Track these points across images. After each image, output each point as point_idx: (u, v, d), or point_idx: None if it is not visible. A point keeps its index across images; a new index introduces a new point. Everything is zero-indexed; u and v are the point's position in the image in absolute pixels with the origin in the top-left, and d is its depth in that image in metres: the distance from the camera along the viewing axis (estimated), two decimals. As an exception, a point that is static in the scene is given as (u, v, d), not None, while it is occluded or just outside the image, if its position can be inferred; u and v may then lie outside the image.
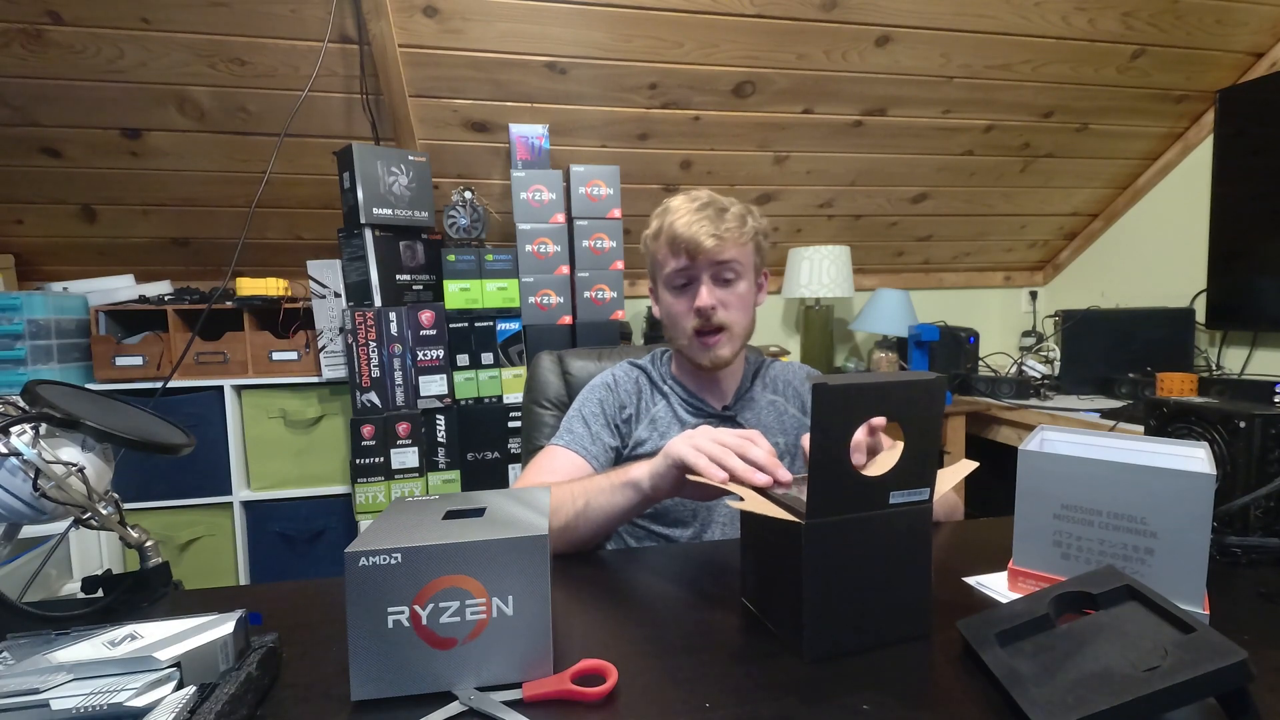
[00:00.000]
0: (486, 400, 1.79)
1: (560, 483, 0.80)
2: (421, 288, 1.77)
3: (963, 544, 0.76)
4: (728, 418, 0.97)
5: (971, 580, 0.64)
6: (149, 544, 0.67)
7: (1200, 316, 2.00)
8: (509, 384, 1.79)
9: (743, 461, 0.60)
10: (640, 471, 0.71)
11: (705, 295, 0.89)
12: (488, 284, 1.76)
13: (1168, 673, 0.39)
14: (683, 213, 0.90)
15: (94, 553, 1.70)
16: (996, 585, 0.63)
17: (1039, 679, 0.43)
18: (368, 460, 1.67)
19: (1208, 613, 0.52)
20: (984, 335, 2.37)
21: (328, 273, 1.80)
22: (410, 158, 1.69)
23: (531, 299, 1.76)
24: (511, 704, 0.45)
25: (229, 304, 1.78)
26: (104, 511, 0.62)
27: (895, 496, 0.52)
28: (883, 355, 2.33)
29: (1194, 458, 0.59)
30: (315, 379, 1.82)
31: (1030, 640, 0.48)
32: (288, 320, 1.82)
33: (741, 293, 0.92)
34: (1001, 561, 0.64)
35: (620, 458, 0.96)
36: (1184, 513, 0.51)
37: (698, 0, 1.59)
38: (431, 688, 0.47)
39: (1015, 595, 0.60)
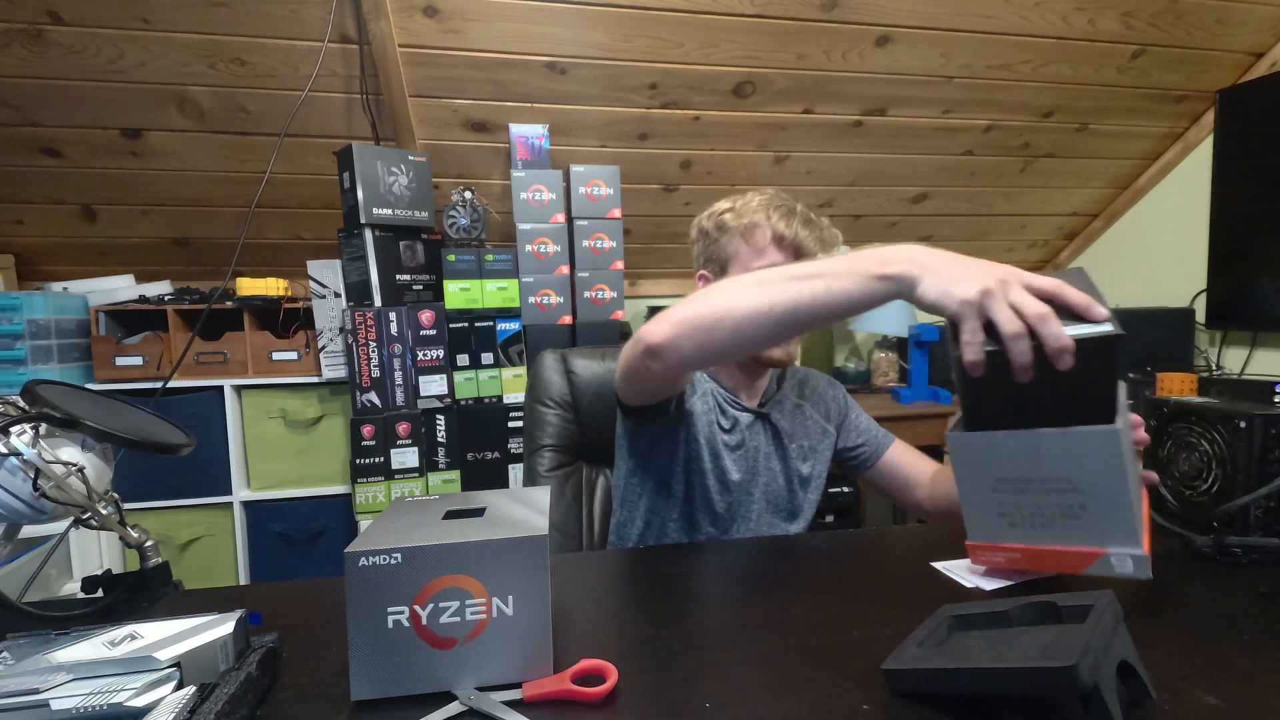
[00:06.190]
0: (486, 400, 1.79)
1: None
2: (421, 288, 1.77)
3: (938, 535, 0.78)
4: (762, 414, 0.99)
5: (939, 565, 0.68)
6: (149, 544, 0.67)
7: (1200, 316, 2.00)
8: (509, 384, 1.79)
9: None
10: (864, 264, 0.59)
11: None
12: (488, 284, 1.76)
13: (1005, 659, 0.42)
14: (784, 212, 0.90)
15: (94, 553, 1.70)
16: (962, 570, 0.67)
17: (927, 658, 0.47)
18: (368, 460, 1.67)
19: (1148, 553, 0.53)
20: (984, 335, 2.37)
21: (328, 273, 1.80)
22: (410, 158, 1.69)
23: (531, 299, 1.76)
24: (511, 704, 0.45)
25: (229, 304, 1.78)
26: (104, 511, 0.62)
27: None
28: (883, 355, 2.33)
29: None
30: (315, 379, 1.82)
31: (948, 640, 0.50)
32: (288, 320, 1.82)
33: None
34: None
35: (667, 412, 0.92)
36: (1100, 466, 0.52)
37: (698, 0, 1.59)
38: (431, 688, 0.47)
39: (977, 575, 0.65)
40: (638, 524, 0.98)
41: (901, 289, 0.57)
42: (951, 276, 0.54)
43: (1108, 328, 0.48)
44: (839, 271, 0.60)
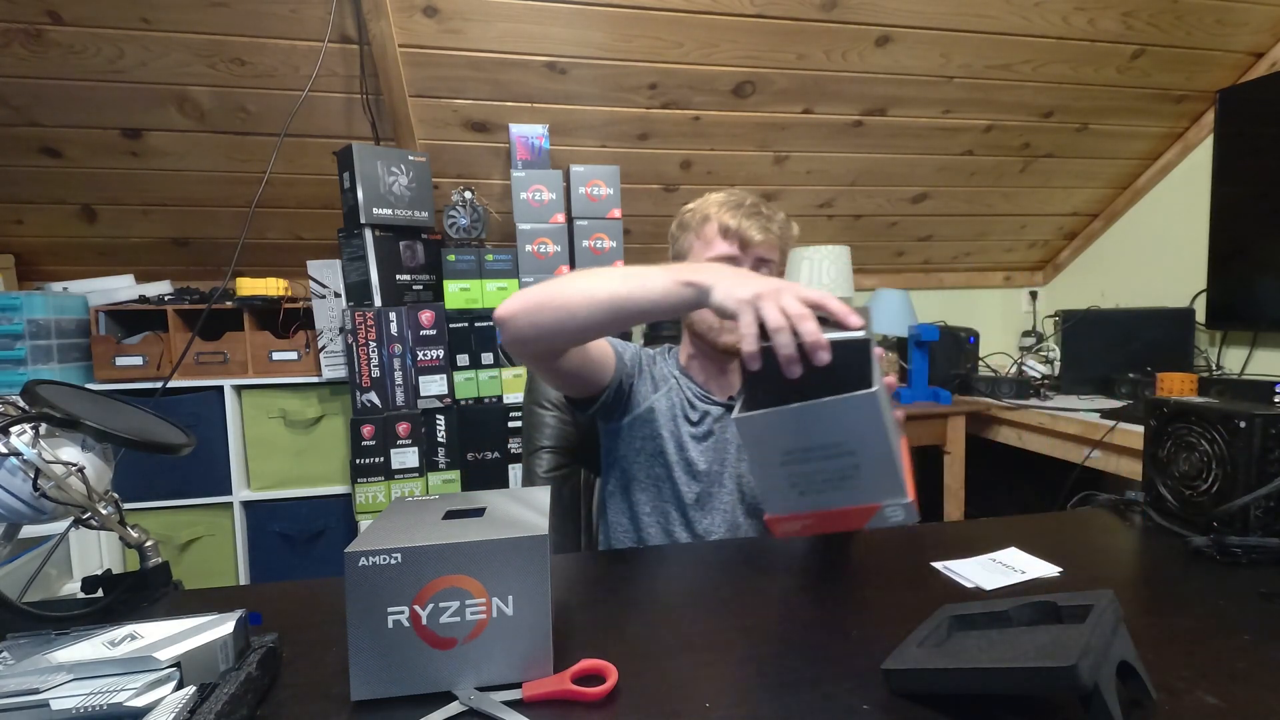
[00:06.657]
0: (486, 400, 1.79)
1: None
2: (421, 288, 1.77)
3: (938, 535, 0.80)
4: (733, 408, 0.98)
5: (939, 565, 0.69)
6: (149, 544, 0.67)
7: (1200, 316, 2.00)
8: (509, 384, 1.79)
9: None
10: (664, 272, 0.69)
11: None
12: (488, 284, 1.76)
13: (1005, 659, 0.42)
14: (732, 206, 0.94)
15: (94, 553, 1.69)
16: (961, 570, 0.68)
17: (927, 658, 0.47)
18: (368, 460, 1.67)
19: (913, 499, 0.56)
20: (984, 335, 2.37)
21: (328, 273, 1.80)
22: (410, 158, 1.69)
23: (531, 299, 1.76)
24: (511, 704, 0.45)
25: (229, 304, 1.78)
26: (104, 511, 0.62)
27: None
28: (882, 355, 2.33)
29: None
30: (315, 379, 1.82)
31: (948, 640, 0.51)
32: (288, 320, 1.82)
33: None
34: (973, 551, 0.71)
35: (601, 400, 0.93)
36: (864, 427, 0.55)
37: (698, 0, 1.59)
38: (431, 688, 0.47)
39: (978, 575, 0.67)
40: (620, 520, 0.99)
41: (700, 295, 0.65)
42: (737, 284, 0.62)
43: (860, 334, 0.58)
44: (656, 275, 0.68)
